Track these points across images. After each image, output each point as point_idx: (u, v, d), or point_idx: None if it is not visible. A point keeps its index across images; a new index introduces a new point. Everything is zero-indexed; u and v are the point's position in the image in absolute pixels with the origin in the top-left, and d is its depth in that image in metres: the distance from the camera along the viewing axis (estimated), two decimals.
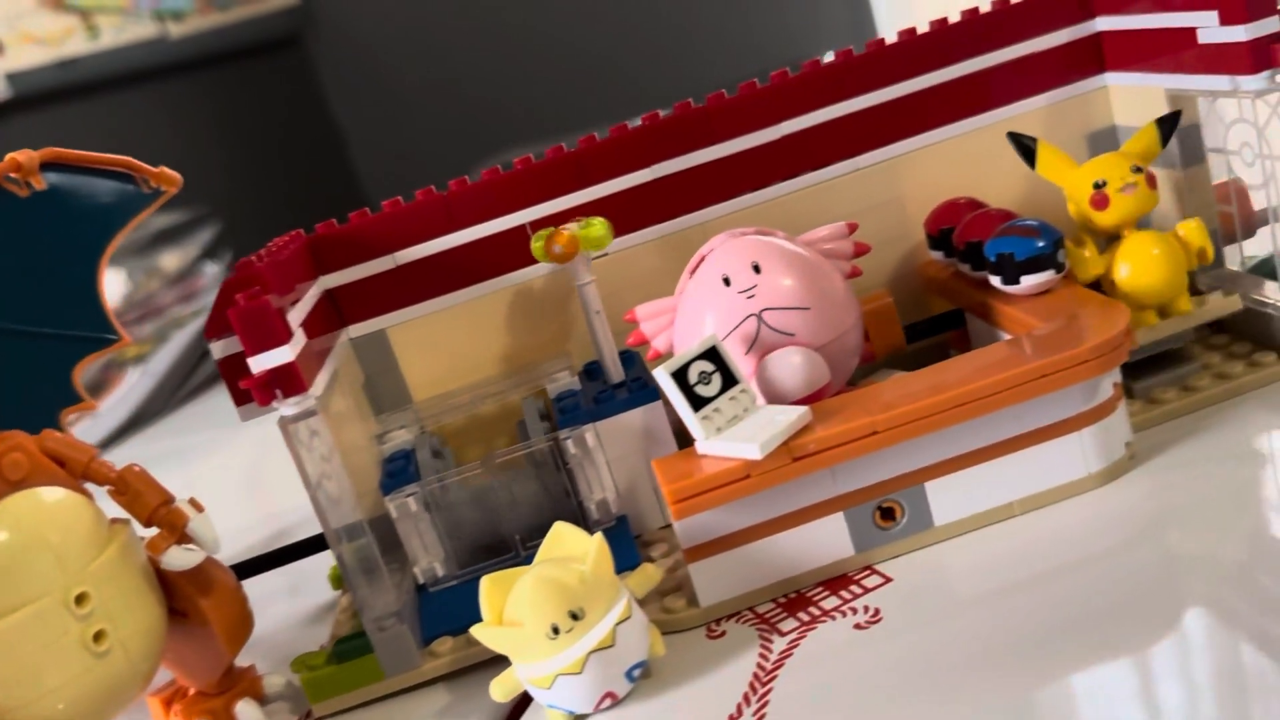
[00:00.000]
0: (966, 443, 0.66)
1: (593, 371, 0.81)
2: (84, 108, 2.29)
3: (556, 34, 2.60)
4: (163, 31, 2.49)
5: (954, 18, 0.83)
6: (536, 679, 0.60)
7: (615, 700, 0.61)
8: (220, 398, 1.06)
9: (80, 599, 0.60)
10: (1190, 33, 0.73)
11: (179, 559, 0.65)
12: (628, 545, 0.72)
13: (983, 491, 0.66)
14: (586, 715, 0.61)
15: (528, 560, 0.64)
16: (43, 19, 2.30)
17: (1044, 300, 0.71)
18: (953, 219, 0.79)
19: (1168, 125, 0.74)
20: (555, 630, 0.59)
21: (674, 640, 0.65)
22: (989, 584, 0.62)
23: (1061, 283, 0.72)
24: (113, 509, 0.66)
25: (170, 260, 1.99)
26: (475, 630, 0.61)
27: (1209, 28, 0.71)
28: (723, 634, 0.65)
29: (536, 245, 0.75)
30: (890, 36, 0.83)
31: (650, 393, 0.75)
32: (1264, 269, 0.76)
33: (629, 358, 0.81)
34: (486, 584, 0.61)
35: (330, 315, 0.79)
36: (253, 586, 0.78)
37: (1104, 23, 0.82)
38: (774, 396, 0.69)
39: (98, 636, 0.61)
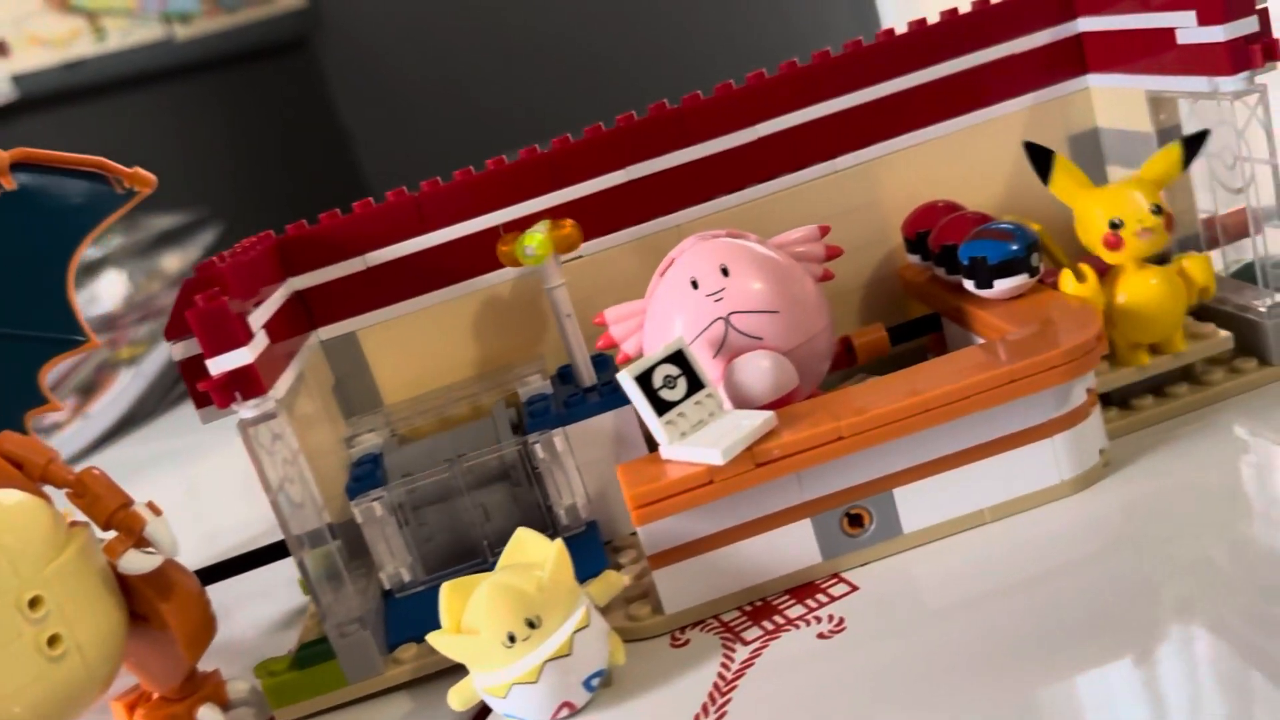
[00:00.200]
0: (936, 449, 0.65)
1: (566, 375, 0.81)
2: (90, 109, 2.30)
3: (564, 36, 2.60)
4: (169, 33, 2.50)
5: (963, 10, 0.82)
6: (492, 688, 0.59)
7: (573, 710, 0.60)
8: None
9: (34, 603, 0.60)
10: (1169, 33, 0.72)
11: (136, 562, 0.64)
12: (596, 551, 0.71)
13: (953, 498, 0.65)
14: None
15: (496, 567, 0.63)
16: (49, 21, 2.30)
17: (1017, 304, 0.70)
18: (930, 222, 0.78)
19: (1193, 146, 0.69)
20: (511, 638, 0.58)
21: (637, 648, 0.65)
22: (957, 594, 0.61)
23: (1035, 287, 0.71)
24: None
25: (172, 262, 1.99)
26: (432, 638, 0.60)
27: (1187, 28, 0.70)
28: (686, 642, 0.64)
29: (501, 249, 0.75)
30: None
31: (622, 397, 0.74)
32: (1247, 274, 0.75)
33: (603, 361, 0.80)
34: (446, 591, 0.61)
35: (299, 317, 0.79)
36: (230, 588, 0.78)
37: (1086, 23, 0.81)
38: (741, 401, 0.68)
39: (52, 641, 0.61)
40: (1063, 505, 0.65)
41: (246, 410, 0.64)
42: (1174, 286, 0.70)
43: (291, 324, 0.76)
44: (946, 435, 0.64)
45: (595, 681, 0.60)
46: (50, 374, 0.75)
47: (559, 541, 0.61)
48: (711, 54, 2.39)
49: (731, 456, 0.62)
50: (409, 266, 0.81)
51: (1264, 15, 0.68)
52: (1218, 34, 0.68)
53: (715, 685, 0.59)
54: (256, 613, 0.85)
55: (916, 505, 0.65)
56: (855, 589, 0.64)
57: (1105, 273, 0.71)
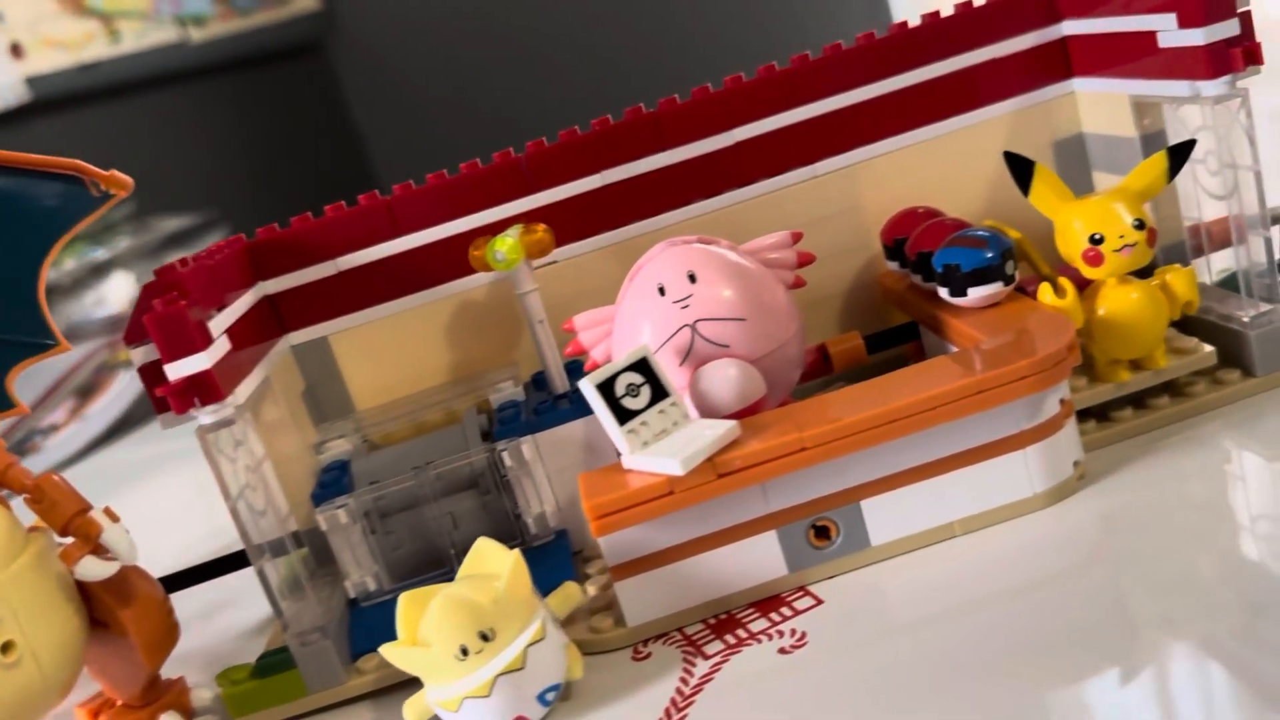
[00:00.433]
0: (904, 460, 0.63)
1: (540, 382, 0.80)
2: (104, 111, 2.30)
3: (577, 39, 2.59)
4: (184, 36, 2.51)
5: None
6: (444, 701, 0.58)
7: None
8: None
9: None
10: (1151, 37, 0.70)
11: (92, 569, 0.63)
12: (564, 561, 0.70)
13: (921, 511, 0.64)
14: None
15: None
16: (64, 23, 2.31)
17: (992, 313, 0.69)
18: (908, 229, 0.76)
19: (1179, 156, 0.67)
20: (464, 651, 0.57)
21: (598, 662, 0.64)
22: (924, 608, 0.60)
23: (1012, 295, 0.70)
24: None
25: None
26: (385, 650, 0.59)
27: (1169, 31, 0.69)
28: (648, 656, 0.63)
29: (473, 254, 0.74)
30: None
31: None
32: (1231, 283, 0.73)
33: (578, 368, 0.79)
34: (403, 601, 0.60)
35: (269, 322, 0.78)
36: (202, 594, 0.78)
37: (1071, 26, 0.79)
38: (708, 410, 0.66)
39: (6, 647, 0.60)
40: (1036, 518, 0.64)
41: (205, 416, 0.63)
42: (1156, 301, 0.68)
43: (259, 329, 0.75)
44: (915, 446, 0.63)
45: (550, 696, 0.59)
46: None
47: (516, 553, 0.60)
48: (722, 54, 2.38)
49: (691, 467, 0.60)
50: (381, 270, 0.80)
51: (1246, 18, 0.66)
52: (1197, 37, 0.66)
53: (673, 700, 0.58)
54: (232, 618, 0.85)
55: (885, 517, 0.64)
56: (820, 602, 0.63)
57: (1085, 286, 0.69)
